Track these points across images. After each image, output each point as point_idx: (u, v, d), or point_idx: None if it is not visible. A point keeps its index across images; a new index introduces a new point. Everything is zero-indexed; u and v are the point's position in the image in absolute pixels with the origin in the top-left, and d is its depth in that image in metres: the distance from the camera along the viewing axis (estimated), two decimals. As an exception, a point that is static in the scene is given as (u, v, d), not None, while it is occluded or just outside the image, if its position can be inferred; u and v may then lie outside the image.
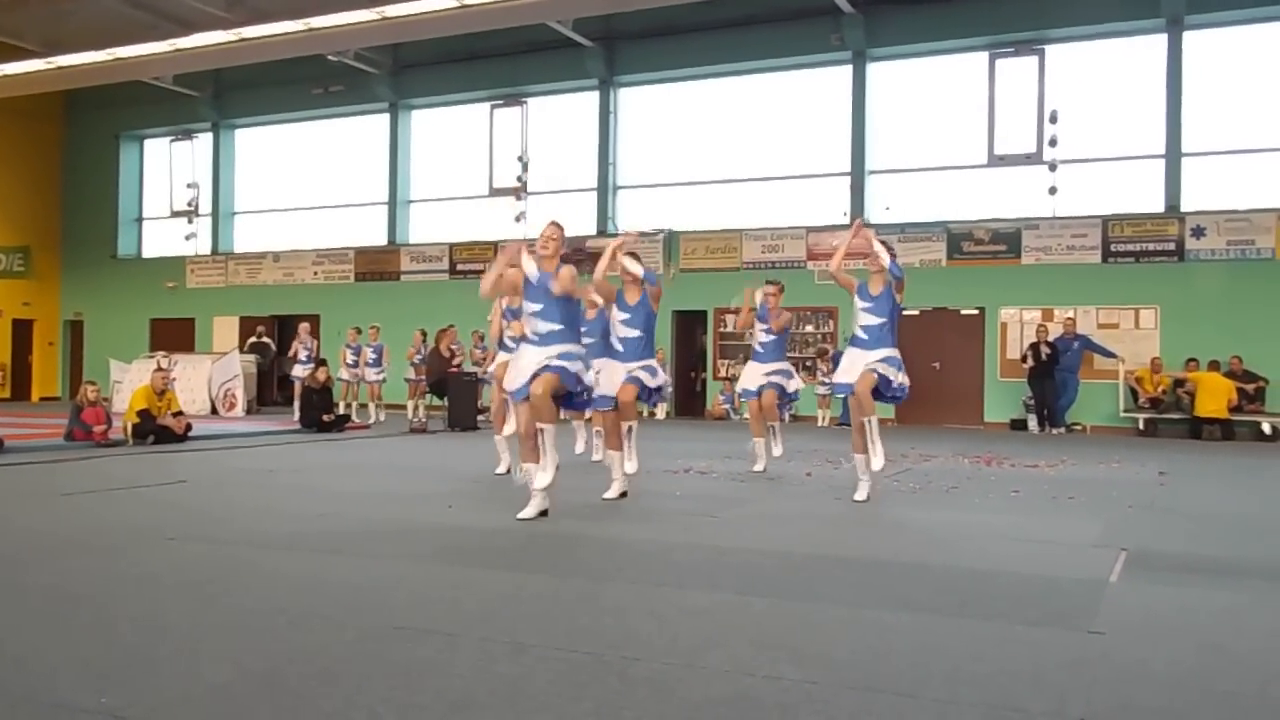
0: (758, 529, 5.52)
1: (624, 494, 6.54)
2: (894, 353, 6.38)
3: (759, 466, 8.23)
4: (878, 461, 6.28)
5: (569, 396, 5.80)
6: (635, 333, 6.60)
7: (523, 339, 5.85)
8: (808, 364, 16.68)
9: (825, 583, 4.13)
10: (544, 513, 5.67)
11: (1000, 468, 9.14)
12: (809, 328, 16.85)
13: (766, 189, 17.66)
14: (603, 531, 5.32)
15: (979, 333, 15.93)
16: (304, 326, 15.38)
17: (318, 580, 4.07)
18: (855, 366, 6.39)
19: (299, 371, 14.73)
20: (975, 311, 16.02)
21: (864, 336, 6.42)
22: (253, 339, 18.57)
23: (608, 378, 6.63)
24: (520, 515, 5.60)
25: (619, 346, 6.72)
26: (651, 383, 6.63)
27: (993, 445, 11.82)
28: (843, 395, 6.59)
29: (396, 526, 5.40)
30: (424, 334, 15.67)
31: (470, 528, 5.41)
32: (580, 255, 6.19)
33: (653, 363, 6.69)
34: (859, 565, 4.50)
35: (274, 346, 18.22)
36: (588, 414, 8.96)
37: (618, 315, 6.67)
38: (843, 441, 10.88)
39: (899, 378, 6.34)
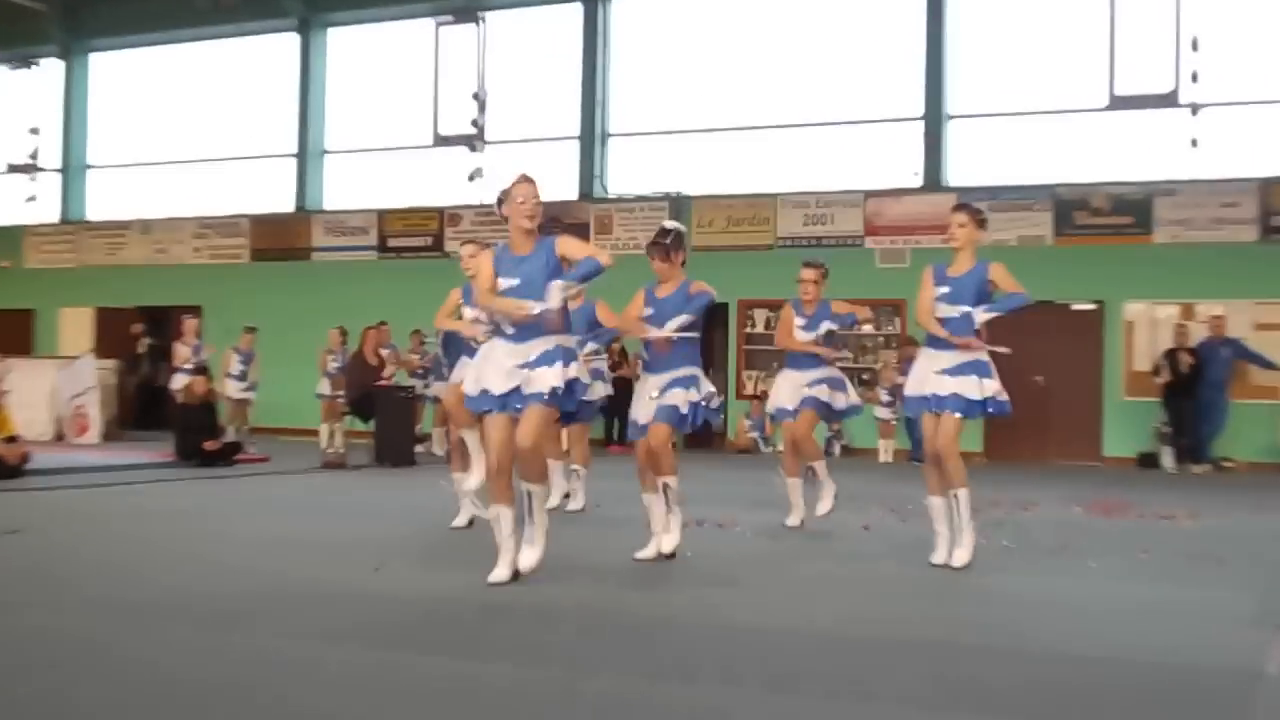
0: (793, 601, 5.53)
1: (671, 554, 6.55)
2: (978, 356, 6.41)
3: (794, 519, 8.23)
4: (961, 554, 6.38)
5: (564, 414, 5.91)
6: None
7: (495, 332, 5.89)
8: (864, 378, 16.68)
9: (882, 675, 4.13)
10: (516, 573, 5.72)
11: (1123, 519, 9.15)
12: (867, 326, 16.83)
13: (810, 139, 17.69)
14: (586, 602, 5.33)
15: (1096, 336, 15.96)
16: (191, 322, 15.34)
17: (196, 664, 4.06)
18: (929, 376, 6.44)
19: (179, 383, 14.70)
20: (1091, 306, 16.04)
21: (939, 335, 6.48)
22: (149, 341, 18.49)
23: (637, 397, 6.66)
24: (492, 578, 5.62)
25: (644, 353, 6.72)
26: (687, 404, 6.52)
27: (1114, 488, 11.81)
28: (913, 415, 6.60)
29: (304, 594, 5.40)
30: (344, 333, 15.66)
31: (405, 596, 5.41)
32: (556, 228, 6.17)
33: (692, 373, 6.54)
34: (930, 651, 4.50)
35: (141, 347, 18.26)
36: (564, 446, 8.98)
37: (644, 310, 6.66)
38: (913, 484, 10.86)
39: (983, 390, 6.35)
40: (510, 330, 5.69)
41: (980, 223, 6.52)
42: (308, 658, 4.21)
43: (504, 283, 5.69)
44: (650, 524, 6.69)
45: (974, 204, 6.76)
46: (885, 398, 15.81)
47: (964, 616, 5.24)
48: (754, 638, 4.68)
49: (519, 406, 5.60)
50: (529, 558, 5.69)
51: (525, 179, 5.75)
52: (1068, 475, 13.68)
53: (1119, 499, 10.54)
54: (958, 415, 6.36)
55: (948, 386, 6.37)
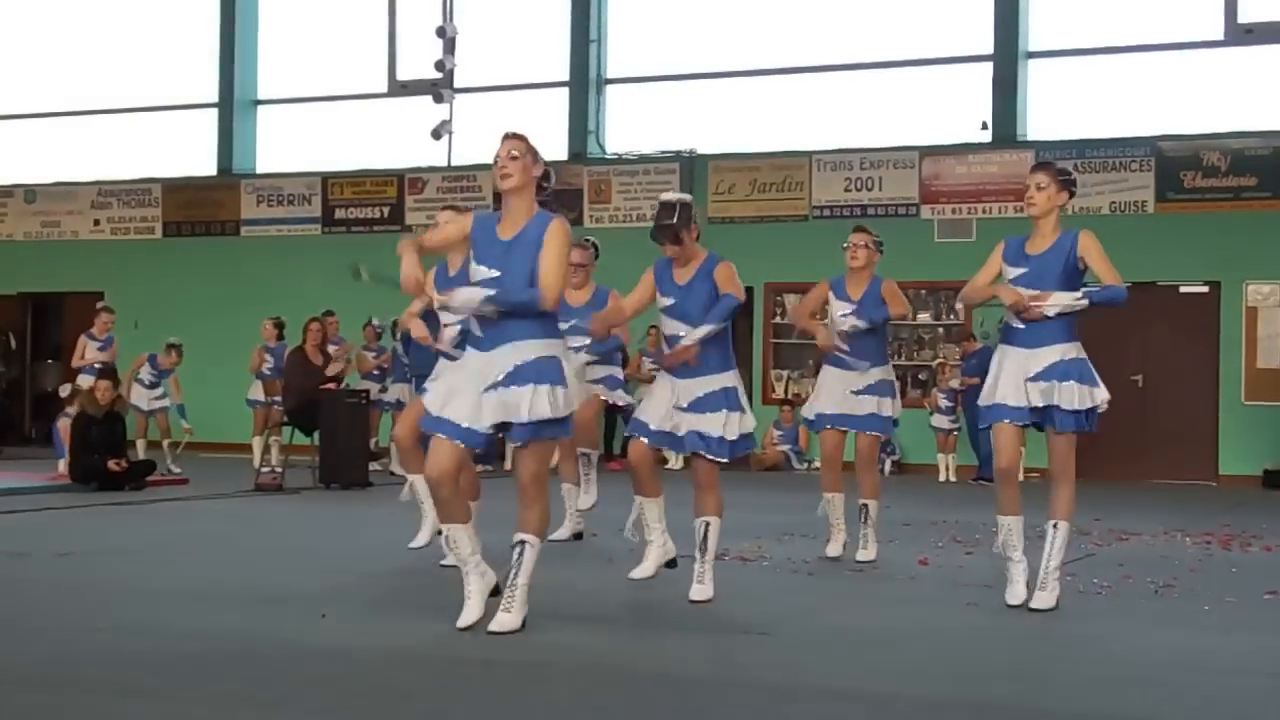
0: (835, 656, 5.51)
1: (669, 562, 6.89)
2: (1073, 352, 6.40)
3: (834, 547, 8.28)
4: (1047, 597, 6.42)
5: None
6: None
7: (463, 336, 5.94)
8: (920, 377, 16.65)
9: (950, 748, 4.10)
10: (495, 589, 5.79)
11: (1245, 552, 9.12)
12: (924, 315, 16.83)
13: (852, 85, 17.64)
14: (582, 655, 5.31)
15: (1210, 325, 15.93)
16: (105, 316, 15.25)
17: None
18: (1011, 381, 6.40)
19: (82, 387, 14.71)
20: (1203, 289, 16.02)
21: (1020, 326, 6.45)
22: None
23: (654, 400, 6.73)
24: (462, 621, 5.65)
25: (667, 349, 6.76)
26: (730, 429, 6.60)
27: (1233, 513, 11.78)
28: (987, 427, 6.65)
29: (230, 649, 5.38)
30: (279, 326, 15.63)
31: (356, 650, 5.39)
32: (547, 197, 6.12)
33: (728, 382, 6.62)
34: (1005, 719, 4.46)
35: (12, 343, 18.24)
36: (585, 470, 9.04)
37: (661, 300, 6.72)
38: (979, 507, 10.82)
39: (1088, 397, 6.35)
40: (478, 330, 5.68)
41: (1065, 184, 6.49)
42: (234, 729, 4.19)
43: (481, 271, 5.68)
44: (646, 533, 6.86)
45: (1057, 163, 6.74)
46: (945, 403, 15.76)
47: (1049, 675, 5.21)
48: (788, 702, 4.65)
49: (479, 449, 5.64)
50: (504, 621, 5.59)
51: (509, 137, 5.75)
52: (1174, 497, 13.66)
53: (1239, 527, 10.52)
54: (1069, 432, 6.40)
55: (1046, 397, 6.34)
